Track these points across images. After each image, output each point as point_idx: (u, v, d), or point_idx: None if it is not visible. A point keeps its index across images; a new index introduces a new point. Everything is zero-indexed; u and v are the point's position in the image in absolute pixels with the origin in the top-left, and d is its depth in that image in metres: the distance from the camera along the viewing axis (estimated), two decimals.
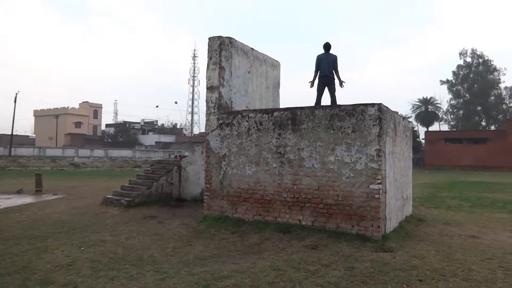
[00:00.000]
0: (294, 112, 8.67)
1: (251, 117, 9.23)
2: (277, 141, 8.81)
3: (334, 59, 9.54)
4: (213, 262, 6.26)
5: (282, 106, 11.77)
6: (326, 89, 9.70)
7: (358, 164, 7.82)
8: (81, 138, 73.87)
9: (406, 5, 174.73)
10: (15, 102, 46.62)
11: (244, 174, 9.21)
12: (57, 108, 79.42)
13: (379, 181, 7.59)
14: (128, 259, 6.39)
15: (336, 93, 9.72)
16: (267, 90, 11.81)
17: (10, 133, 47.78)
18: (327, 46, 9.64)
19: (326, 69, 9.51)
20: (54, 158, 43.19)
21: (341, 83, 9.61)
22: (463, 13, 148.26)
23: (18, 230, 8.58)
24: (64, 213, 10.76)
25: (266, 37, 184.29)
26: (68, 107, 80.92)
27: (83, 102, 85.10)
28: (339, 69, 9.57)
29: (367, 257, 6.45)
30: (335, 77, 9.58)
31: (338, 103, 9.28)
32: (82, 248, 7.06)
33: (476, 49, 67.96)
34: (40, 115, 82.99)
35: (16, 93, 47.01)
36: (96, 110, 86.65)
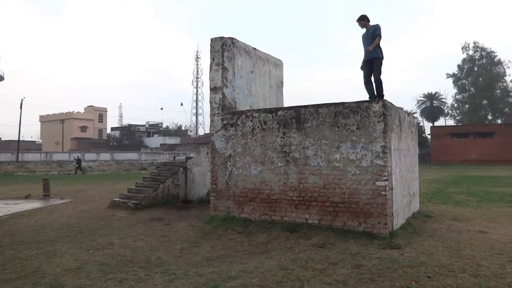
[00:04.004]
0: (298, 111, 8.66)
1: (255, 116, 9.24)
2: (282, 140, 8.81)
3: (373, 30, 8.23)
4: (221, 263, 6.28)
5: (286, 105, 11.79)
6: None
7: (363, 161, 7.79)
8: (87, 142, 74.29)
9: None
10: (21, 108, 47.13)
11: (249, 174, 9.21)
12: (62, 113, 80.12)
13: (385, 177, 7.56)
14: (136, 262, 6.42)
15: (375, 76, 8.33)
16: (270, 90, 11.80)
17: (17, 139, 48.28)
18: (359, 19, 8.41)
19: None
20: (61, 162, 43.55)
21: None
22: (465, 5, 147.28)
23: (27, 234, 8.65)
24: (72, 217, 10.83)
25: (269, 35, 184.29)
26: (73, 111, 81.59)
27: (88, 106, 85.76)
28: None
29: (375, 255, 6.43)
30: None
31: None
32: (91, 252, 7.11)
33: (478, 42, 67.66)
34: (46, 120, 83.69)
35: (22, 99, 47.68)
36: (101, 114, 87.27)
